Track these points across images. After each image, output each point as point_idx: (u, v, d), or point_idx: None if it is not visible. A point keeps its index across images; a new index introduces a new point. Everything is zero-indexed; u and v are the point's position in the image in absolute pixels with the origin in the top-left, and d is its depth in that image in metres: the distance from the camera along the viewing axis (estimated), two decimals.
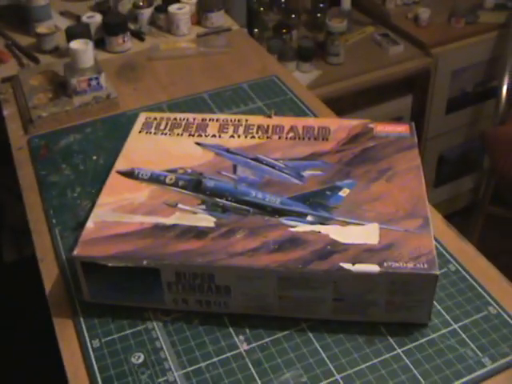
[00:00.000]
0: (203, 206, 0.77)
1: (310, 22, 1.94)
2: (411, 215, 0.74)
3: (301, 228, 0.73)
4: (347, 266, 0.67)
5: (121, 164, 0.85)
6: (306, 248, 0.70)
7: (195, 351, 0.70)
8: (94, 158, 0.99)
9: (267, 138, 0.89)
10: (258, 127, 0.91)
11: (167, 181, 0.81)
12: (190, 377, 0.67)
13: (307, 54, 1.74)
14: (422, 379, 0.66)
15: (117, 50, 1.32)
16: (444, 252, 0.80)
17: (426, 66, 1.79)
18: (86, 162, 0.99)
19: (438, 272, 0.67)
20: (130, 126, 0.94)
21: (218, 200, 0.78)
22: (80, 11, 1.43)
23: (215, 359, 0.69)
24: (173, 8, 1.37)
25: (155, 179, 0.82)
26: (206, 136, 0.90)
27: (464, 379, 0.66)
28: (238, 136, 0.90)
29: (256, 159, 0.85)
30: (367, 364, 0.67)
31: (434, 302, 0.71)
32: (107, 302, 0.74)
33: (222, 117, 0.94)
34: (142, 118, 0.95)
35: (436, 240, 0.78)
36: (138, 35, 1.38)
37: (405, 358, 0.68)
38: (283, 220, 0.74)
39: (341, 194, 0.78)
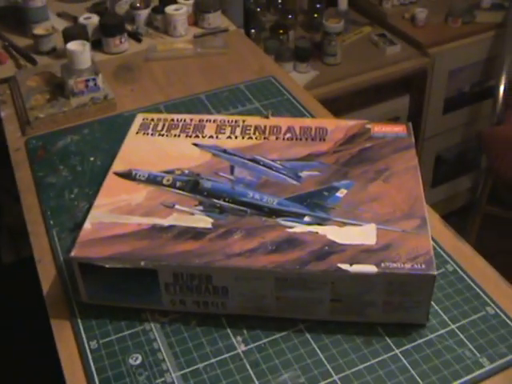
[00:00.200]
0: (200, 207, 0.77)
1: (306, 23, 1.93)
2: (409, 215, 0.74)
3: (298, 229, 0.73)
4: (345, 266, 0.67)
5: (118, 165, 0.85)
6: (303, 249, 0.70)
7: (193, 352, 0.70)
8: (92, 159, 0.99)
9: (264, 138, 0.89)
10: (255, 128, 0.91)
11: (164, 182, 0.81)
12: (187, 378, 0.67)
13: (304, 55, 1.74)
14: (419, 380, 0.66)
15: (114, 51, 1.32)
16: (441, 252, 0.80)
17: (422, 66, 1.79)
18: (83, 163, 0.99)
19: (435, 272, 0.67)
20: (127, 127, 0.93)
21: (215, 201, 0.78)
22: (77, 12, 1.43)
23: (213, 360, 0.69)
24: (170, 9, 1.37)
25: (152, 180, 0.82)
26: (203, 137, 0.90)
27: (462, 380, 0.66)
28: (236, 137, 0.89)
29: (253, 160, 0.85)
30: (365, 365, 0.67)
31: (432, 303, 0.71)
32: (105, 303, 0.74)
33: (219, 117, 0.94)
34: (139, 118, 0.95)
35: (433, 240, 0.78)
36: (135, 36, 1.37)
37: (403, 358, 0.68)
38: (280, 221, 0.74)
39: (338, 194, 0.78)
